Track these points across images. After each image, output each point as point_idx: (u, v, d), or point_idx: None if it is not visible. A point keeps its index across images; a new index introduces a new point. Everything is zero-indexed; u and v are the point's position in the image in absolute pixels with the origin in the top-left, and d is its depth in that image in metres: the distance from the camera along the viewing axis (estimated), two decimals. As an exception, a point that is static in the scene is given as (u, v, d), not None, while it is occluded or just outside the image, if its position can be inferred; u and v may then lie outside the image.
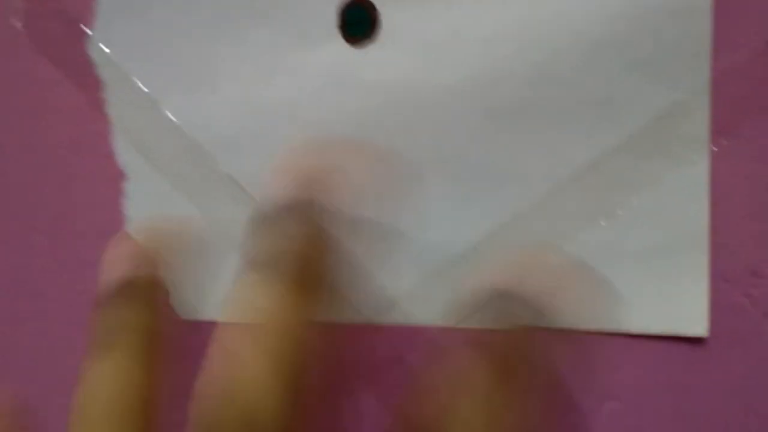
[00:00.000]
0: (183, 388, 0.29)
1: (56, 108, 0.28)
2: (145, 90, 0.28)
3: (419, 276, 0.27)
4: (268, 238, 0.20)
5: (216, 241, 0.28)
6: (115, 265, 0.22)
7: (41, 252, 0.29)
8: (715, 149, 0.25)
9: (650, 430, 0.26)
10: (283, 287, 0.19)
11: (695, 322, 0.26)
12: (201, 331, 0.28)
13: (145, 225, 0.25)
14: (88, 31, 0.28)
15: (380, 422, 0.27)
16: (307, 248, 0.20)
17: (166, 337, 0.23)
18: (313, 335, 0.20)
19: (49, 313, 0.29)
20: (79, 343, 0.29)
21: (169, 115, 0.28)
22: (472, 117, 0.26)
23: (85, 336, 0.29)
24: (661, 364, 0.26)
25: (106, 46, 0.28)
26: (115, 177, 0.28)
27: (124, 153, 0.28)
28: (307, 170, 0.21)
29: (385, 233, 0.24)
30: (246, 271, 0.20)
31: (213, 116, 0.28)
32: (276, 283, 0.19)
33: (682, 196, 0.26)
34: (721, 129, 0.25)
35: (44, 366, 0.29)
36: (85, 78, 0.28)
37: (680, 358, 0.26)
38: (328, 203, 0.20)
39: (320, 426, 0.26)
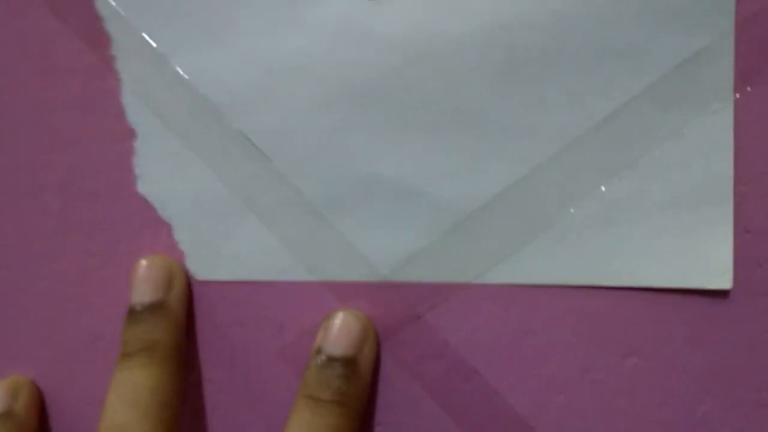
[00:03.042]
0: (195, 347, 0.28)
1: (64, 65, 0.28)
2: (155, 45, 0.27)
3: (436, 232, 0.27)
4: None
5: (228, 199, 0.27)
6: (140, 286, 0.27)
7: (51, 212, 0.28)
8: (738, 96, 0.25)
9: (673, 385, 0.26)
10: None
11: (719, 274, 0.25)
12: (215, 291, 0.28)
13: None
14: (96, -14, 0.28)
15: (397, 379, 0.27)
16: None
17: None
18: None
19: (61, 273, 0.28)
20: (91, 303, 0.28)
21: (179, 70, 0.27)
22: (489, 68, 0.26)
23: (97, 296, 0.28)
24: (684, 317, 0.26)
25: (114, 1, 0.27)
26: (125, 135, 0.28)
27: (134, 110, 0.28)
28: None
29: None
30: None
31: (224, 71, 0.27)
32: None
33: (705, 146, 0.25)
34: (744, 76, 0.25)
35: (57, 325, 0.28)
36: (93, 34, 0.28)
37: (703, 311, 0.26)
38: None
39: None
